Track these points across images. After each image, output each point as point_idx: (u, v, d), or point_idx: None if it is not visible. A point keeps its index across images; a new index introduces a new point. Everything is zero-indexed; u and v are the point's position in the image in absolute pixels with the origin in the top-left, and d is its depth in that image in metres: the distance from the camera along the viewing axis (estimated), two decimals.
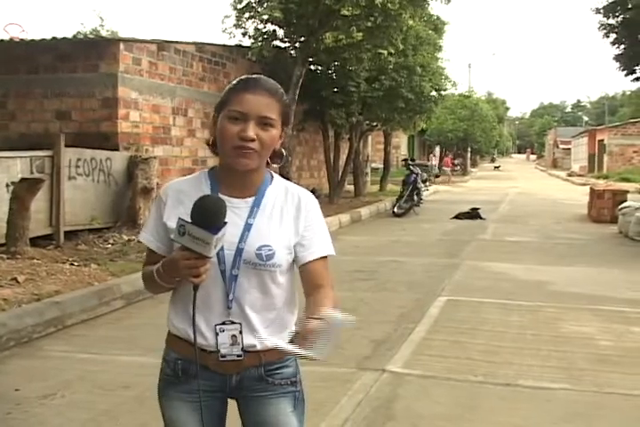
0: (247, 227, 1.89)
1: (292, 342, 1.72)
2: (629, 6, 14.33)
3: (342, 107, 17.09)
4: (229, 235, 1.77)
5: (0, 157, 8.54)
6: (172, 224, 1.84)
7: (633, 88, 64.57)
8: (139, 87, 11.50)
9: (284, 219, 1.94)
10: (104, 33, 23.28)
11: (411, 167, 17.81)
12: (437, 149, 45.15)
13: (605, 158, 42.27)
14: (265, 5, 13.51)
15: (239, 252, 1.86)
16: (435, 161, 39.05)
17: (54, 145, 9.17)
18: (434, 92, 18.82)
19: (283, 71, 14.64)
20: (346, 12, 12.60)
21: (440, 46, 19.93)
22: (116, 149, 10.76)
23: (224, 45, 14.85)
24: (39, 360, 4.99)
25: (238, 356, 1.89)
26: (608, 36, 15.45)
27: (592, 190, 16.54)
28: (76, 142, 9.86)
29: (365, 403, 4.14)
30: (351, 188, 20.81)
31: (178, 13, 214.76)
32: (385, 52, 14.60)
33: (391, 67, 16.25)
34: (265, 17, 14.09)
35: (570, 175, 43.37)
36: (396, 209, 16.75)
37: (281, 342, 1.77)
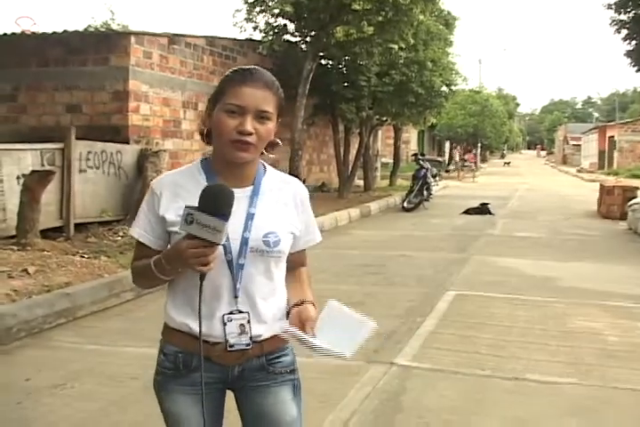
0: (250, 216, 1.90)
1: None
2: None
3: (352, 101, 17.04)
4: (232, 225, 1.76)
5: (11, 150, 8.58)
6: (171, 217, 1.86)
7: None
8: (149, 80, 11.53)
9: (283, 206, 1.98)
10: (115, 26, 23.22)
11: (420, 162, 17.83)
12: (447, 145, 45.23)
13: (615, 155, 42.13)
14: None
15: (245, 241, 1.87)
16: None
17: (65, 138, 9.19)
18: (444, 88, 18.80)
19: (293, 65, 14.66)
20: (357, 7, 12.57)
21: (451, 41, 19.88)
22: (127, 142, 10.80)
23: (235, 39, 14.87)
24: (49, 351, 5.03)
25: (247, 345, 1.90)
26: (619, 32, 15.41)
27: (602, 187, 16.46)
28: (87, 135, 9.88)
29: (374, 396, 4.16)
30: (361, 182, 20.82)
31: (189, 7, 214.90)
32: (395, 46, 14.57)
33: (402, 61, 16.26)
34: (276, 11, 14.12)
35: (579, 171, 43.22)
36: (405, 204, 16.76)
37: (294, 328, 1.81)
